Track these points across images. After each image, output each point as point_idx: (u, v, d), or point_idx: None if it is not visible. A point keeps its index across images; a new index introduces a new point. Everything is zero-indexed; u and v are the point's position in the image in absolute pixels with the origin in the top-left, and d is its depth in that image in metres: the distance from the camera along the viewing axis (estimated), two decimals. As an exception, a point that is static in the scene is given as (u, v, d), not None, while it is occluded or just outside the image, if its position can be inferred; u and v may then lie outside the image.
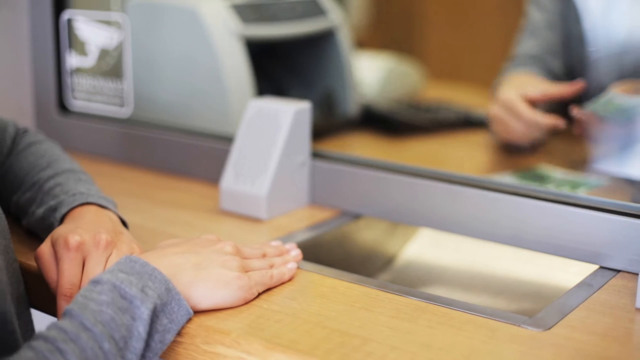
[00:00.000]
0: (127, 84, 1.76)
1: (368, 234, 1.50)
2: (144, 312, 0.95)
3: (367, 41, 2.74)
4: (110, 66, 1.79)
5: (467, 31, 2.83)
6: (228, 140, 1.56)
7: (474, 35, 2.81)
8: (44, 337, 0.89)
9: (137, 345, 0.94)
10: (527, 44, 1.84)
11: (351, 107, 1.93)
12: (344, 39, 1.90)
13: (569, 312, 1.09)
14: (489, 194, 1.35)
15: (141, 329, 0.95)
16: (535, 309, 1.11)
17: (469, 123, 2.01)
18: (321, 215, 1.47)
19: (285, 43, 1.86)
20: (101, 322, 0.92)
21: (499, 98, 1.67)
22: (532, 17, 1.84)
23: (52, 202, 1.23)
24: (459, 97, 2.28)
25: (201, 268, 1.06)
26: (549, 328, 1.04)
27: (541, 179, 1.47)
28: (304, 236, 1.38)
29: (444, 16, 2.90)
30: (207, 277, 1.06)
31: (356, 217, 1.48)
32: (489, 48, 2.75)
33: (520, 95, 1.62)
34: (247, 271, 1.11)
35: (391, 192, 1.43)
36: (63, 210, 1.20)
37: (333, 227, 1.44)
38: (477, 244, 1.38)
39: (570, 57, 1.78)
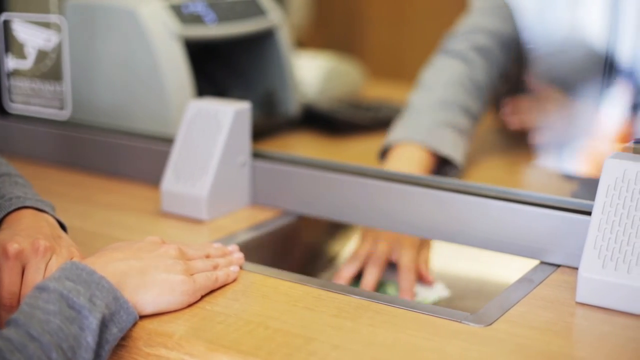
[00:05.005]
0: (66, 86, 1.75)
1: (310, 234, 1.50)
2: (93, 322, 0.94)
3: (308, 41, 2.74)
4: (49, 68, 1.77)
5: (408, 30, 2.84)
6: (168, 141, 1.56)
7: (415, 34, 2.82)
8: None
9: (86, 355, 0.93)
10: (477, 18, 1.79)
11: (292, 106, 1.93)
12: (284, 38, 1.90)
13: (510, 308, 1.09)
14: (431, 191, 1.35)
15: (90, 339, 0.93)
16: (477, 305, 1.12)
17: (410, 121, 2.01)
18: (262, 215, 1.47)
19: (225, 43, 1.86)
20: (48, 332, 0.91)
21: None
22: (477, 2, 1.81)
23: None
24: (400, 96, 2.28)
25: (146, 274, 1.05)
26: (491, 324, 1.04)
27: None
28: (245, 236, 1.37)
29: (385, 15, 2.91)
30: (153, 283, 1.05)
31: (298, 216, 1.47)
32: (430, 46, 2.76)
33: None
34: (191, 274, 1.10)
35: (333, 191, 1.43)
36: None
37: (274, 227, 1.44)
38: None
39: (512, 54, 1.78)
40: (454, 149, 1.54)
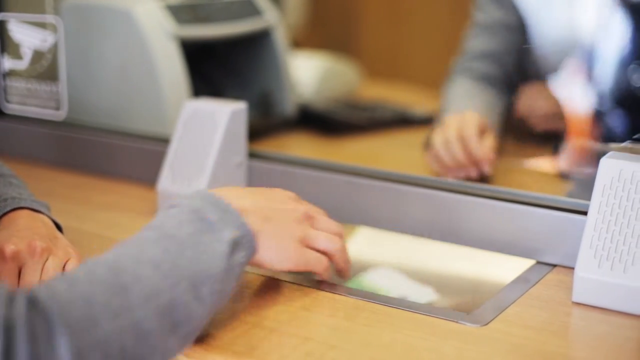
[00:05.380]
0: (62, 87, 1.74)
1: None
2: (225, 235, 0.95)
3: (304, 41, 2.74)
4: (45, 68, 1.77)
5: (404, 30, 2.84)
6: (164, 141, 1.55)
7: (410, 34, 2.82)
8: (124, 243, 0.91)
9: (220, 264, 0.93)
10: (477, 41, 1.86)
11: (288, 107, 1.93)
12: (280, 39, 1.90)
13: (507, 307, 1.09)
14: (427, 191, 1.35)
15: (224, 247, 0.94)
16: (474, 305, 1.12)
17: (406, 121, 2.01)
18: (259, 215, 1.47)
19: (221, 43, 1.86)
20: (184, 232, 0.93)
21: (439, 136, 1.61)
22: (479, 16, 1.87)
23: None
24: (396, 96, 2.29)
25: (266, 222, 1.04)
26: (487, 323, 1.04)
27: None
28: (242, 237, 1.37)
29: (381, 15, 2.91)
30: (266, 233, 1.04)
31: (294, 216, 1.47)
32: (426, 47, 2.76)
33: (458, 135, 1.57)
34: (307, 244, 1.09)
35: (329, 192, 1.43)
36: None
37: (271, 227, 1.43)
38: (415, 242, 1.38)
39: (517, 54, 1.83)
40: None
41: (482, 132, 1.57)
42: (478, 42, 1.86)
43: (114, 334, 0.80)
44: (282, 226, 1.06)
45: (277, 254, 1.05)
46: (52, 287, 0.80)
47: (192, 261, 0.91)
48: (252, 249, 1.00)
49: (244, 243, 0.98)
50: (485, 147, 1.53)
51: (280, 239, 1.05)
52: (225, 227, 0.96)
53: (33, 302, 0.77)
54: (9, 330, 0.74)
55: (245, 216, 1.00)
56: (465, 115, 1.61)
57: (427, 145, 1.64)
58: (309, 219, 1.11)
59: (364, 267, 1.42)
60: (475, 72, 1.81)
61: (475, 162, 1.53)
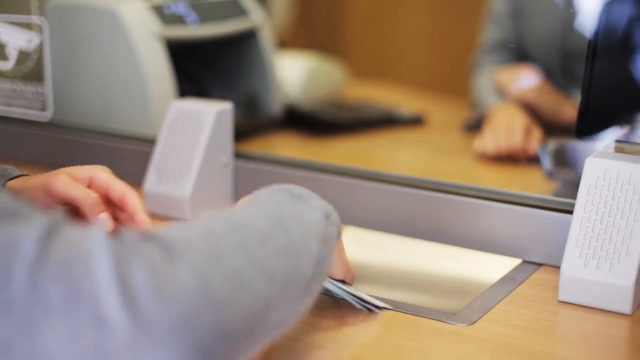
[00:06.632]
0: (48, 87, 1.74)
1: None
2: (319, 207, 0.95)
3: (290, 41, 2.74)
4: (30, 69, 1.76)
5: (390, 30, 2.84)
6: (150, 142, 1.55)
7: (396, 35, 2.82)
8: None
9: (317, 228, 0.91)
10: (493, 32, 2.04)
11: (274, 107, 1.93)
12: (266, 39, 1.90)
13: (493, 307, 1.09)
14: (413, 191, 1.35)
15: (321, 215, 0.94)
16: (460, 304, 1.12)
17: (392, 121, 2.02)
18: (245, 215, 1.46)
19: (207, 44, 1.85)
20: (279, 205, 0.91)
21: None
22: (496, 7, 2.03)
23: None
24: (381, 96, 2.29)
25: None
26: (473, 323, 1.04)
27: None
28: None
29: (367, 16, 2.91)
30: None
31: (281, 217, 1.47)
32: (411, 47, 2.76)
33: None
34: None
35: (315, 191, 1.42)
36: None
37: (258, 227, 1.43)
38: (402, 241, 1.38)
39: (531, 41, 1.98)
40: None
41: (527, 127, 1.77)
42: (493, 32, 2.03)
43: (240, 267, 0.75)
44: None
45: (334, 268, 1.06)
46: (165, 230, 0.75)
47: (296, 218, 0.89)
48: (339, 228, 1.00)
49: (333, 218, 0.97)
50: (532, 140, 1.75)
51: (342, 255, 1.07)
52: (313, 199, 0.96)
53: (146, 237, 0.72)
54: (123, 262, 0.67)
55: None
56: (511, 110, 1.83)
57: (470, 127, 1.92)
58: None
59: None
60: (495, 63, 1.98)
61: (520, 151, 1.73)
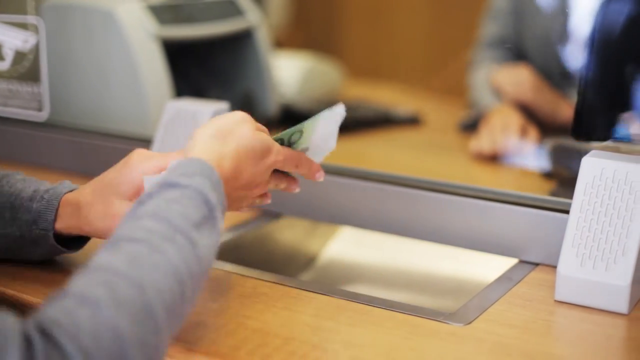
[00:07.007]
0: (44, 87, 1.74)
1: (289, 234, 1.50)
2: (221, 224, 0.95)
3: (286, 41, 2.74)
4: (26, 69, 1.76)
5: (386, 30, 2.84)
6: (146, 142, 1.55)
7: (393, 35, 2.82)
8: (138, 240, 0.85)
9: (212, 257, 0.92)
10: (493, 28, 2.05)
11: (270, 106, 1.93)
12: (263, 39, 1.90)
13: (489, 306, 1.09)
14: (410, 190, 1.35)
15: (218, 239, 0.94)
16: (456, 304, 1.12)
17: (389, 121, 2.02)
18: (242, 215, 1.47)
19: (203, 43, 1.85)
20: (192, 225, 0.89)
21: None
22: (496, 3, 2.05)
23: (24, 216, 1.14)
24: (378, 96, 2.29)
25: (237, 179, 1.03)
26: (470, 322, 1.04)
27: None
28: (224, 237, 1.37)
29: (363, 15, 2.91)
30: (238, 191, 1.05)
31: (277, 217, 1.47)
32: (408, 47, 2.76)
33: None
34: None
35: (312, 191, 1.43)
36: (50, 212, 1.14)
37: (254, 227, 1.44)
38: (399, 241, 1.38)
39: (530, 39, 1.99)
40: None
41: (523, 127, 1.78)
42: (492, 29, 2.04)
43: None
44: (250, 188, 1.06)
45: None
46: (75, 318, 0.76)
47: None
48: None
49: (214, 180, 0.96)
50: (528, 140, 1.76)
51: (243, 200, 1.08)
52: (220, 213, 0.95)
53: (52, 343, 0.73)
54: None
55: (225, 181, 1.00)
56: (507, 110, 1.83)
57: (466, 127, 1.93)
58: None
59: (347, 267, 1.42)
60: (492, 60, 2.00)
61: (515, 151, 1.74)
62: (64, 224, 1.12)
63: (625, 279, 1.06)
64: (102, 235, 1.09)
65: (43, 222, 1.12)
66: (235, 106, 1.74)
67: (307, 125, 1.10)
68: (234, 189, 1.03)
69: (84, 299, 0.77)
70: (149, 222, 0.87)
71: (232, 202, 1.05)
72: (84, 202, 1.11)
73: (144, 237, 0.85)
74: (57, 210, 1.12)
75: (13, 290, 1.11)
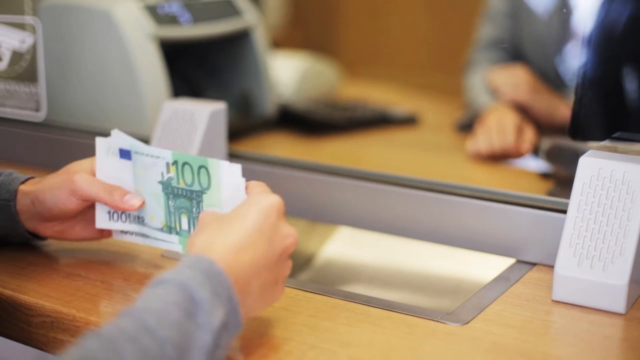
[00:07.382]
0: (41, 88, 1.74)
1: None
2: (215, 320, 0.84)
3: (284, 41, 2.74)
4: (24, 69, 1.76)
5: (383, 30, 2.84)
6: (144, 142, 1.55)
7: (390, 35, 2.82)
8: (99, 336, 0.78)
9: (201, 356, 0.82)
10: (489, 30, 2.05)
11: (268, 107, 1.93)
12: (260, 39, 1.90)
13: (487, 306, 1.09)
14: (407, 190, 1.35)
15: (209, 338, 0.83)
16: (454, 304, 1.12)
17: (386, 121, 2.02)
18: (239, 215, 1.46)
19: (201, 44, 1.85)
20: (167, 324, 0.80)
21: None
22: (493, 5, 2.05)
23: None
24: (375, 96, 2.29)
25: (264, 280, 0.95)
26: (467, 322, 1.04)
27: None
28: (222, 237, 1.36)
29: (360, 15, 2.91)
30: (259, 289, 0.95)
31: (275, 217, 1.47)
32: (405, 47, 2.76)
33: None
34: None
35: (309, 191, 1.43)
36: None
37: (251, 227, 1.43)
38: (396, 241, 1.38)
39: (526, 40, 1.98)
40: None
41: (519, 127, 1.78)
42: (488, 30, 2.04)
43: None
44: (274, 276, 0.97)
45: (263, 305, 0.97)
46: None
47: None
48: (238, 325, 0.90)
49: (230, 323, 0.88)
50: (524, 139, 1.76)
51: (269, 291, 0.97)
52: (214, 308, 0.85)
53: None
54: None
55: (244, 285, 0.91)
56: (503, 110, 1.83)
57: (462, 127, 1.93)
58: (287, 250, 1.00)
59: (344, 267, 1.42)
60: (489, 61, 2.00)
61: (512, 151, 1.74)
62: (25, 211, 1.17)
63: (622, 279, 1.06)
64: (66, 214, 1.16)
65: (5, 193, 1.17)
66: (233, 106, 1.74)
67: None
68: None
69: None
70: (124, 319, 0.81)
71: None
72: (39, 189, 1.18)
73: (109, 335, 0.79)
74: (18, 188, 1.18)
75: (10, 290, 1.11)
